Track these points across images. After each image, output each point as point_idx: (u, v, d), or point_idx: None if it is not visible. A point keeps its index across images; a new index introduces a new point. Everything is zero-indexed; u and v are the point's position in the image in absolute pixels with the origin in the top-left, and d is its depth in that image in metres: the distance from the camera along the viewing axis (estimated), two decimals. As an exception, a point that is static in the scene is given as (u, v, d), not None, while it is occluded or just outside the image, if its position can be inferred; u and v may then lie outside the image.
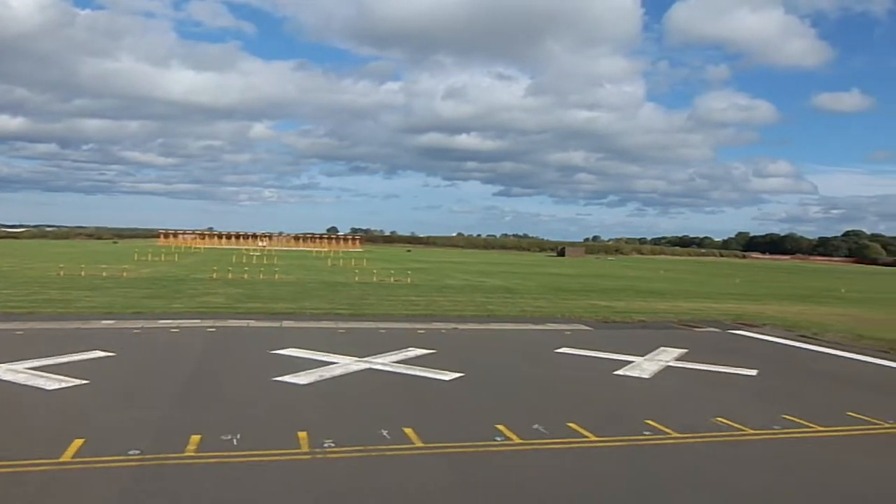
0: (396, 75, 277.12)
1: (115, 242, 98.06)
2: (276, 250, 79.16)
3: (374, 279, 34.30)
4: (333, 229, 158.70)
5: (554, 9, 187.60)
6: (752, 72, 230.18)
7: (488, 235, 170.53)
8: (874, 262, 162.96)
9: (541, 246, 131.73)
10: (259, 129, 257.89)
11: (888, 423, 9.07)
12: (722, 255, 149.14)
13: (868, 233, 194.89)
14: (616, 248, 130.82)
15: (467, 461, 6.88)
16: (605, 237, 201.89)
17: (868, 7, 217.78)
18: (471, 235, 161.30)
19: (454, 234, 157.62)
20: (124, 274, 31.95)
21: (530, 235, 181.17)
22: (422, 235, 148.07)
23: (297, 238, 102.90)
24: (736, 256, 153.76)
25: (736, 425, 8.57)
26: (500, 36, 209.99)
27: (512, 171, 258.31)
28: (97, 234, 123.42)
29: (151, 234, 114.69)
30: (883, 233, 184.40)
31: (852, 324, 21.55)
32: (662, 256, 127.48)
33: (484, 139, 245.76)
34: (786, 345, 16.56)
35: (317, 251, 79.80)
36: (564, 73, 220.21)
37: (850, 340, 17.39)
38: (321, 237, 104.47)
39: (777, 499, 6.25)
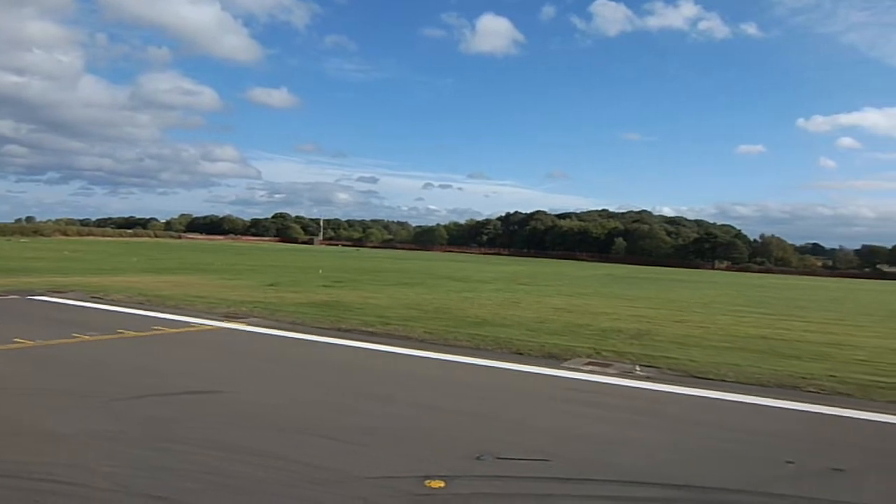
0: None
1: None
2: None
3: None
4: None
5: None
6: (194, 59, 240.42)
7: None
8: (295, 240, 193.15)
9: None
10: None
11: (35, 341, 13.53)
12: (157, 237, 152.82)
13: (293, 215, 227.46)
14: (34, 229, 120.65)
15: None
16: (43, 217, 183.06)
17: (290, 18, 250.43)
18: None
19: None
20: None
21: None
22: None
23: None
24: (172, 237, 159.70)
25: None
26: None
27: None
28: None
29: None
30: (317, 216, 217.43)
31: (162, 287, 27.31)
32: (90, 238, 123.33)
33: None
34: (58, 303, 20.65)
35: None
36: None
37: (125, 298, 22.57)
38: None
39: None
